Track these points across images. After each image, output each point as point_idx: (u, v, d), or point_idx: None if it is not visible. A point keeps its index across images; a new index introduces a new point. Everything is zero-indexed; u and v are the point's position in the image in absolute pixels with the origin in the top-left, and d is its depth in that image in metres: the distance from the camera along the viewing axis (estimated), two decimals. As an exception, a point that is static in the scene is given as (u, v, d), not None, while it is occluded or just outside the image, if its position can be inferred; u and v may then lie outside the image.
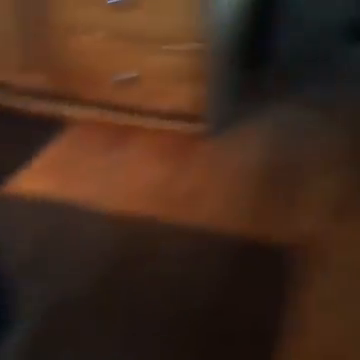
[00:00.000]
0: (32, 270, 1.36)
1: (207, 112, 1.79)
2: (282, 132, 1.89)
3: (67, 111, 1.97)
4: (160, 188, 1.68)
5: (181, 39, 1.65)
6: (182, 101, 1.77)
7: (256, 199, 1.63)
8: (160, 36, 1.65)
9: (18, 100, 2.02)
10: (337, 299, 1.30)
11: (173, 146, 1.84)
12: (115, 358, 1.16)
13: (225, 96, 1.97)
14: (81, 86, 1.87)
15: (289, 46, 2.30)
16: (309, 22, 2.32)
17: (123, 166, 1.78)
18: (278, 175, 1.73)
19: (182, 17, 1.60)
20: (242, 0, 1.91)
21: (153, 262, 1.40)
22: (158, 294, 1.30)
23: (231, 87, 2.02)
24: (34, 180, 1.72)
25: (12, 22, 1.83)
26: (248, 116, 2.00)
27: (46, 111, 1.99)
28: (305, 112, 2.04)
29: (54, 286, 1.32)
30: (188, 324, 1.24)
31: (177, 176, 1.72)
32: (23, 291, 1.27)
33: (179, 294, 1.31)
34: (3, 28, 1.84)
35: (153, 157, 1.81)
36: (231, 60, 1.79)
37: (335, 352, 1.18)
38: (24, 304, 1.25)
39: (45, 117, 2.01)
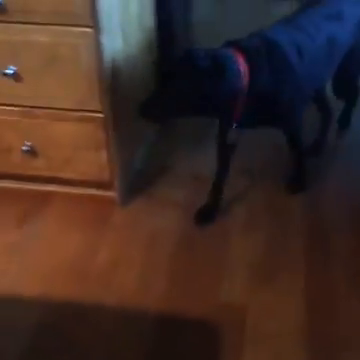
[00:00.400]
0: None
1: (115, 178, 1.76)
2: (199, 188, 1.85)
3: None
4: (74, 263, 1.60)
5: (79, 107, 1.62)
6: (89, 168, 1.73)
7: (173, 269, 1.58)
8: (57, 105, 1.62)
9: None
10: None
11: (86, 215, 1.77)
12: None
13: (134, 159, 1.95)
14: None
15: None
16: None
17: (35, 240, 1.68)
18: (196, 239, 1.69)
19: (81, 87, 1.58)
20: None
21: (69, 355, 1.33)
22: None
23: (141, 148, 2.00)
24: None
25: None
26: (164, 173, 1.97)
27: None
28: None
29: None
30: None
31: (90, 248, 1.65)
32: None
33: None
34: None
35: (65, 229, 1.73)
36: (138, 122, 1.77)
37: None
38: None
39: None
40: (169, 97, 1.48)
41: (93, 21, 1.48)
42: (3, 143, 1.75)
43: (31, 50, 1.54)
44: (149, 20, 1.98)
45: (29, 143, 1.73)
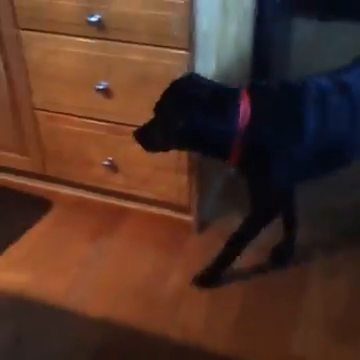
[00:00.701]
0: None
1: (193, 203, 1.70)
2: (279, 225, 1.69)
3: (53, 190, 1.90)
4: (142, 287, 1.57)
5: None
6: (167, 190, 1.69)
7: (243, 309, 1.49)
8: (143, 124, 1.53)
9: (4, 177, 1.96)
10: None
11: (159, 237, 1.73)
12: None
13: (214, 185, 1.88)
14: (68, 168, 1.81)
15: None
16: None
17: (105, 257, 1.67)
18: (270, 280, 1.59)
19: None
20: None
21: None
22: None
23: (221, 175, 1.91)
24: (7, 270, 1.60)
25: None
26: (243, 204, 1.87)
27: (31, 189, 1.92)
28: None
29: None
30: None
31: (160, 273, 1.61)
32: None
33: None
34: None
35: (137, 248, 1.70)
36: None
37: None
38: None
39: (30, 196, 1.92)
40: (160, 124, 1.36)
41: (189, 44, 1.43)
42: (87, 155, 1.76)
43: (124, 68, 1.53)
44: (246, 41, 1.91)
45: (111, 158, 1.72)
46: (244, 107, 1.31)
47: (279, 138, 1.33)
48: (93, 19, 1.46)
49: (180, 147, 1.41)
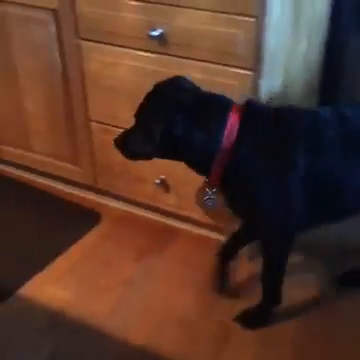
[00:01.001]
0: None
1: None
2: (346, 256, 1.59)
3: (102, 203, 1.87)
4: (186, 317, 1.48)
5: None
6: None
7: (298, 350, 1.36)
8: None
9: (55, 185, 1.95)
10: None
11: (208, 262, 1.61)
12: None
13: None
14: (118, 182, 1.76)
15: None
16: None
17: (151, 280, 1.60)
18: (332, 315, 1.45)
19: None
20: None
21: None
22: None
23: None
24: (51, 284, 1.57)
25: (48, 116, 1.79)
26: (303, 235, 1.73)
27: (81, 200, 1.90)
28: None
29: None
30: None
31: (207, 303, 1.51)
32: None
33: None
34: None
35: (184, 273, 1.61)
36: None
37: None
38: None
39: (80, 206, 1.89)
40: (140, 129, 1.22)
41: (255, 64, 1.34)
42: (138, 172, 1.70)
43: (183, 85, 1.47)
44: (315, 58, 1.77)
45: (163, 177, 1.66)
46: (231, 123, 1.18)
47: (265, 167, 1.19)
48: (155, 33, 1.40)
49: (162, 155, 1.27)
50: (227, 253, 1.55)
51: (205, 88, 1.38)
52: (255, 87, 1.38)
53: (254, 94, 1.38)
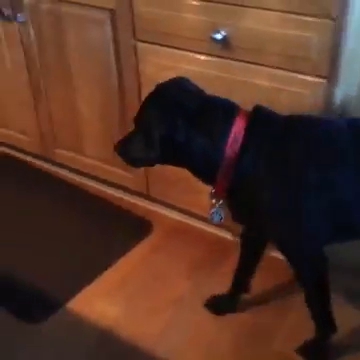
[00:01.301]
0: None
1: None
2: None
3: (154, 210, 1.80)
4: (241, 344, 1.37)
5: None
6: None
7: None
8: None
9: (106, 189, 1.90)
10: None
11: (268, 282, 1.51)
12: None
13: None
14: (172, 191, 1.68)
15: None
16: None
17: (203, 300, 1.48)
18: None
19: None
20: None
21: None
22: None
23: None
24: (101, 298, 1.51)
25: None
26: None
27: (132, 206, 1.83)
28: None
29: None
30: None
31: (267, 330, 1.40)
32: None
33: None
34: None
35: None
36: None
37: None
38: None
39: (131, 214, 1.82)
40: (141, 134, 1.13)
41: (329, 71, 1.19)
42: (194, 182, 1.57)
43: (247, 92, 1.33)
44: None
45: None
46: (237, 130, 1.09)
47: (272, 179, 1.09)
48: (218, 36, 1.28)
49: (164, 161, 1.18)
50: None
51: (273, 97, 1.27)
52: (328, 97, 1.24)
53: (327, 104, 1.24)
